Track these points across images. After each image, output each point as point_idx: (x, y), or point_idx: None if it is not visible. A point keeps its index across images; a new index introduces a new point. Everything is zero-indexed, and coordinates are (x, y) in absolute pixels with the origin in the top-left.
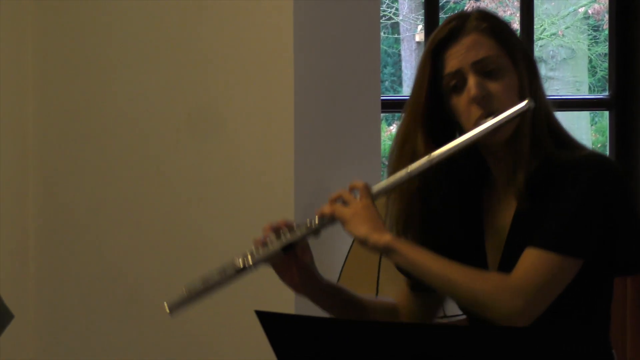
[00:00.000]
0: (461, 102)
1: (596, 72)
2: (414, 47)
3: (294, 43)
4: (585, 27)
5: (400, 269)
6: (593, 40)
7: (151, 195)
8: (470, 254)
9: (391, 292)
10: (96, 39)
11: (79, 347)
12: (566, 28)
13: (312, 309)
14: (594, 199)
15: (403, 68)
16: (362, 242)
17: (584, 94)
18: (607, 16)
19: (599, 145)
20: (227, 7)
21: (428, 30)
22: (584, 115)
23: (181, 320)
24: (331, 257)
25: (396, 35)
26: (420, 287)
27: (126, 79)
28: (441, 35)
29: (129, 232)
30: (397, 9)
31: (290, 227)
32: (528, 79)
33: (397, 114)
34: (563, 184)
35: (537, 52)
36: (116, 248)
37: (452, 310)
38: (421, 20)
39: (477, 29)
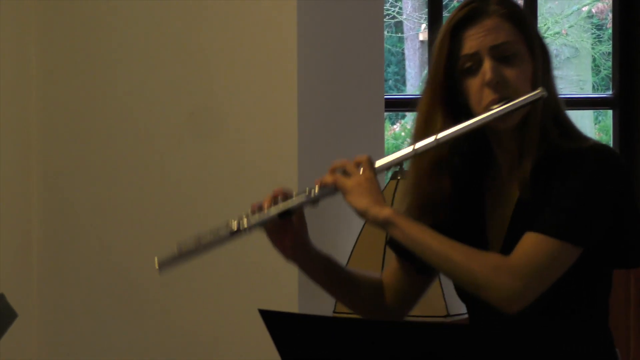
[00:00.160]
0: (474, 85)
1: (600, 71)
2: (417, 46)
3: (297, 42)
4: (589, 25)
5: (393, 247)
6: (597, 39)
7: (154, 195)
8: (472, 241)
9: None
10: (99, 38)
11: (82, 346)
12: (570, 27)
13: (315, 308)
14: (596, 188)
15: (406, 67)
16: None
17: (587, 92)
18: (610, 15)
19: None
20: (230, 7)
21: (432, 29)
22: (588, 114)
23: (185, 319)
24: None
25: (400, 34)
26: (419, 268)
27: (129, 78)
28: (461, 15)
29: (132, 231)
30: (400, 8)
31: (289, 195)
32: (543, 69)
33: (400, 113)
34: (566, 173)
35: None
36: (119, 247)
37: (454, 310)
38: (425, 19)
39: (498, 13)
